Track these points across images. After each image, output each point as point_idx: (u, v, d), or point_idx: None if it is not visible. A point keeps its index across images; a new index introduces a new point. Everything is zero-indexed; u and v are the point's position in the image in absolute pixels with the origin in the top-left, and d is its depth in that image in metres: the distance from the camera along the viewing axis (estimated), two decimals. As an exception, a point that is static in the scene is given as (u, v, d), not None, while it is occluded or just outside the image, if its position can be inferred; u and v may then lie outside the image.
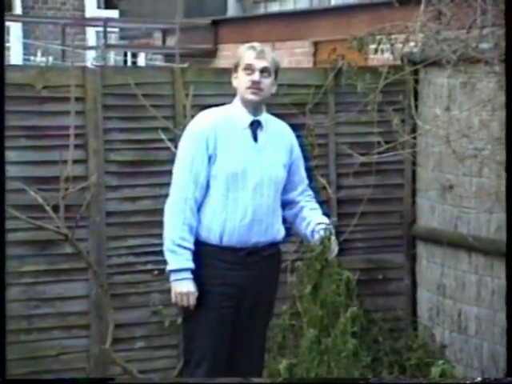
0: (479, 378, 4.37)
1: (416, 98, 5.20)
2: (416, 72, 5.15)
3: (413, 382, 4.41)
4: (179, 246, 3.56)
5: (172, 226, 3.59)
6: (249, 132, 3.66)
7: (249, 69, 3.61)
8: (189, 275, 3.58)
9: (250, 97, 3.62)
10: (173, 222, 3.59)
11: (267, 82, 3.64)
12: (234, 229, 3.60)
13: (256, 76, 3.61)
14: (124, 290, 4.92)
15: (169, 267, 3.61)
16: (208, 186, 3.61)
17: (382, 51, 5.19)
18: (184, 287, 3.57)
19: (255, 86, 3.60)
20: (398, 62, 5.19)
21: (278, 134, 3.74)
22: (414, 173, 5.39)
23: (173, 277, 3.60)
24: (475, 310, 4.93)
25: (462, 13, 4.76)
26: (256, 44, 3.70)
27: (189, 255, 3.57)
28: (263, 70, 3.62)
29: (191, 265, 3.58)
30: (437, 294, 5.19)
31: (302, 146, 4.98)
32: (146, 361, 4.95)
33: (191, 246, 3.58)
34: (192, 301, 3.58)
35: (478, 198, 4.83)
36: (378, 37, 5.17)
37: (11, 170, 4.64)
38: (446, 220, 5.09)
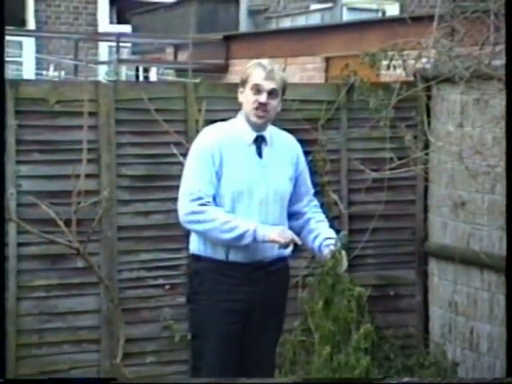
0: (485, 378, 4.34)
1: (428, 115, 5.19)
2: (429, 88, 5.15)
3: (417, 382, 4.36)
4: (225, 230, 3.50)
5: (202, 227, 3.55)
6: (253, 148, 3.64)
7: (257, 89, 3.58)
8: (255, 224, 3.50)
9: (255, 119, 3.61)
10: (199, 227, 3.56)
11: (274, 103, 3.61)
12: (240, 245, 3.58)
13: (263, 98, 3.57)
14: (135, 305, 4.91)
15: (244, 241, 3.51)
16: (214, 203, 3.58)
17: (395, 67, 5.19)
18: (272, 232, 3.50)
19: (262, 108, 3.58)
20: (411, 78, 5.19)
21: (283, 146, 3.72)
22: (426, 189, 5.37)
23: (254, 238, 3.51)
24: (488, 328, 4.90)
25: (475, 29, 4.76)
26: (266, 62, 3.64)
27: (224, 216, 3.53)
28: (271, 92, 3.59)
29: (248, 223, 3.50)
30: (449, 311, 5.16)
31: (313, 161, 5.05)
32: (156, 376, 4.93)
33: (211, 213, 3.52)
34: (290, 232, 3.54)
35: (490, 214, 4.81)
36: (391, 53, 5.16)
37: (24, 184, 4.67)
38: (458, 237, 5.07)
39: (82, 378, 4.51)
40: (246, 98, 3.61)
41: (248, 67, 3.66)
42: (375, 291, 5.09)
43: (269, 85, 3.58)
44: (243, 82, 3.64)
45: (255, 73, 3.60)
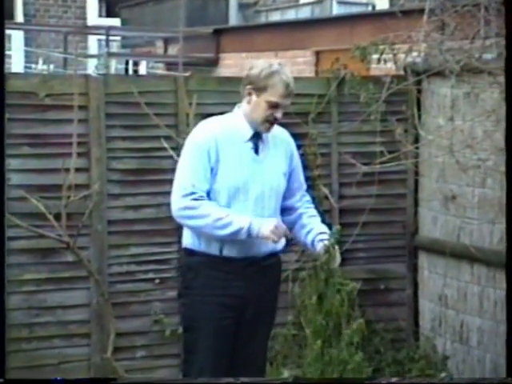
0: (476, 378, 4.37)
1: (419, 108, 5.20)
2: (419, 82, 5.15)
3: (413, 382, 4.39)
4: (218, 226, 3.47)
5: (195, 225, 3.52)
6: (250, 144, 3.62)
7: (274, 106, 3.54)
8: (249, 220, 3.47)
9: (264, 129, 3.59)
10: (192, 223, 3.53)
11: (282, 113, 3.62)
12: (235, 240, 3.56)
13: (279, 114, 3.55)
14: (125, 299, 4.91)
15: (238, 237, 3.49)
16: (209, 198, 3.56)
17: (385, 61, 5.19)
18: (266, 227, 3.47)
19: (274, 122, 3.58)
20: (401, 72, 5.19)
21: (278, 142, 3.70)
22: (416, 183, 5.38)
23: (249, 235, 3.48)
24: (478, 321, 4.91)
25: (466, 23, 4.77)
26: (286, 75, 3.52)
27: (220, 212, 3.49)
28: (285, 107, 3.59)
29: (242, 220, 3.47)
30: (439, 305, 5.18)
31: (304, 155, 5.04)
32: (146, 370, 4.93)
33: (208, 208, 3.48)
34: (283, 226, 3.52)
35: (480, 208, 4.82)
36: (381, 47, 5.16)
37: (14, 178, 4.65)
38: (448, 230, 5.08)
39: (82, 379, 4.51)
40: (259, 106, 3.55)
41: (268, 74, 3.52)
42: (365, 285, 5.10)
43: (285, 101, 3.56)
44: (258, 89, 3.54)
45: (276, 89, 3.52)
